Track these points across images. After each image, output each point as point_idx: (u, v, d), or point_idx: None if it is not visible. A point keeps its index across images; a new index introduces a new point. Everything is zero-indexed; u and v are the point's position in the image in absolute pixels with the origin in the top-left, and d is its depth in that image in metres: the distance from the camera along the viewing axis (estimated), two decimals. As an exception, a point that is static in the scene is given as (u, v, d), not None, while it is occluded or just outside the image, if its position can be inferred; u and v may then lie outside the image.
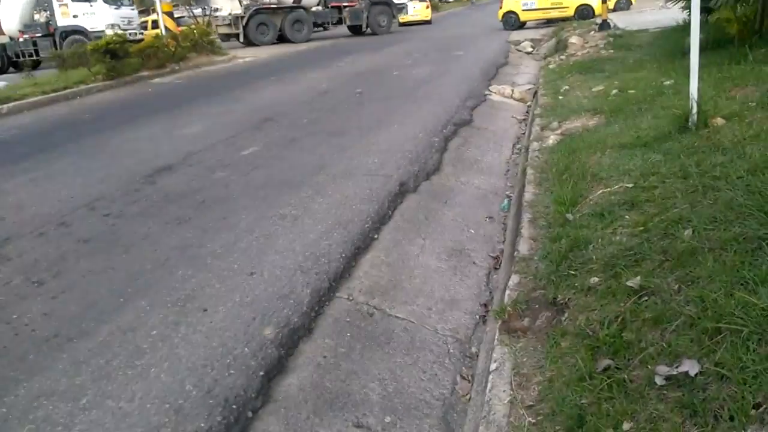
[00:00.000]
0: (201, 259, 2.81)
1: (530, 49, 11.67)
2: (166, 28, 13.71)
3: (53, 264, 2.92)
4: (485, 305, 2.50)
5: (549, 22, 15.95)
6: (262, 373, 1.94)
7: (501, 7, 16.73)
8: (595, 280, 2.01)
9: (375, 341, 2.19)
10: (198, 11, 19.07)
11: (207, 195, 3.80)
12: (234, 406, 1.79)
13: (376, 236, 3.05)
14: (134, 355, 2.06)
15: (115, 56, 11.09)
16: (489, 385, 1.77)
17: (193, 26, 15.53)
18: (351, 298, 2.47)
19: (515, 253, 2.55)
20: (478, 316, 2.43)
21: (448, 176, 4.09)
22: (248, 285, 2.52)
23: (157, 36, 13.39)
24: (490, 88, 7.13)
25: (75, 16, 15.69)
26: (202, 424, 1.72)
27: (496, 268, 2.83)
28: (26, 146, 6.19)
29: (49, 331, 2.29)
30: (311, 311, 2.34)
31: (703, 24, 4.60)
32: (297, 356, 2.07)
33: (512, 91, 6.99)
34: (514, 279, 2.34)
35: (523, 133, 5.25)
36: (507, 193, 3.84)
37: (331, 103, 6.91)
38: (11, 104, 8.88)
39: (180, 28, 14.37)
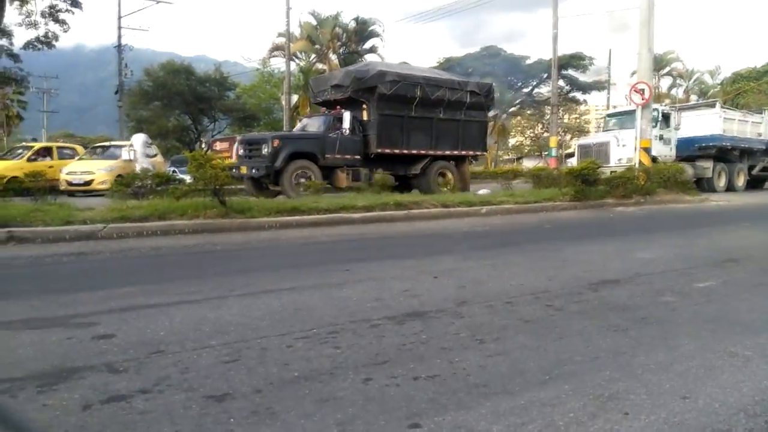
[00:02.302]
0: (631, 368, 2.69)
1: None
2: (640, 162, 14.03)
3: (495, 330, 3.26)
4: None
5: None
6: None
7: None
8: None
9: None
10: None
11: (649, 313, 3.64)
12: None
13: None
14: (549, 427, 2.10)
15: (586, 181, 11.89)
16: None
17: (668, 163, 15.55)
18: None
19: None
20: None
21: None
22: (678, 407, 2.27)
23: (629, 168, 13.82)
24: None
25: None
26: None
27: None
28: (492, 240, 7.19)
29: (480, 380, 2.55)
30: (752, 463, 1.94)
31: None
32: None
33: None
34: None
35: None
36: None
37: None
38: (489, 207, 10.51)
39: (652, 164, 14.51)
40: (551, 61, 28.08)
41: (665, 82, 51.85)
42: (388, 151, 14.47)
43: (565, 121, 49.32)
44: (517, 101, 49.23)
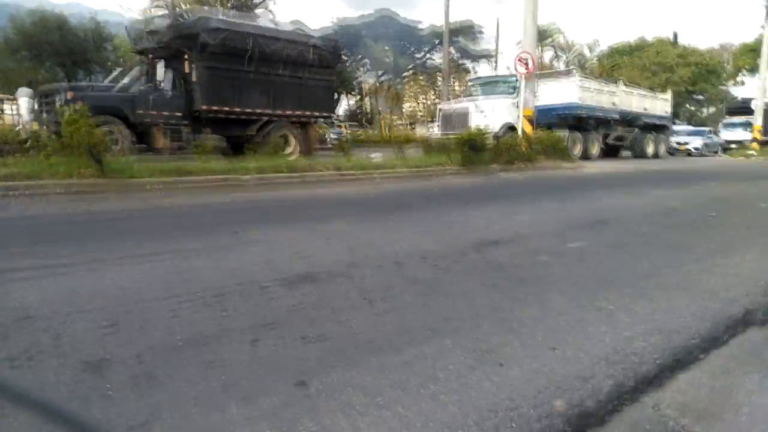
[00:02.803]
0: (507, 323, 2.86)
1: None
2: (522, 130, 14.76)
3: (384, 290, 3.34)
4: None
5: None
6: (542, 440, 1.86)
7: None
8: None
9: (677, 460, 1.89)
10: None
11: (525, 272, 3.88)
12: (508, 458, 1.75)
13: (702, 356, 2.66)
14: (430, 379, 2.20)
15: (473, 148, 12.35)
16: None
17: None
18: (657, 408, 2.20)
19: None
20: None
21: (812, 323, 3.35)
22: (548, 357, 2.46)
23: (512, 136, 14.51)
24: None
25: None
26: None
27: None
28: (385, 204, 7.30)
29: (368, 338, 2.61)
30: (608, 403, 2.15)
31: None
32: (583, 440, 1.92)
33: None
34: None
35: None
36: None
37: (676, 221, 6.41)
38: (382, 172, 10.65)
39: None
40: (443, 29, 28.58)
41: (548, 54, 54.58)
42: (216, 108, 13.03)
43: (456, 89, 50.69)
44: (410, 67, 49.77)
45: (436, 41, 43.50)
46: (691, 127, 36.50)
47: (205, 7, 37.61)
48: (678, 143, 30.02)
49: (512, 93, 17.32)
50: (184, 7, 38.08)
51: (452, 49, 42.49)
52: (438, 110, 19.40)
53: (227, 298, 3.10)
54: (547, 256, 4.39)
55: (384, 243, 4.77)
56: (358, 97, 39.85)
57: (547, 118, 19.20)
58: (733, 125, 37.61)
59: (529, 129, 15.12)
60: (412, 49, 51.10)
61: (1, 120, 15.14)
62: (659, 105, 25.63)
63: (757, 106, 33.68)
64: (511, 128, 16.44)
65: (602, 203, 8.05)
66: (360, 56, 49.91)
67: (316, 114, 15.47)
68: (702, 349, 2.72)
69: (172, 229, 5.43)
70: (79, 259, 3.91)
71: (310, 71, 14.67)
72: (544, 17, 53.64)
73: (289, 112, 14.47)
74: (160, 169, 8.34)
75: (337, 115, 44.32)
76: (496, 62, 45.77)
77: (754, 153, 28.75)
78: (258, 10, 40.39)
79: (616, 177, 13.93)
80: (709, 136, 31.74)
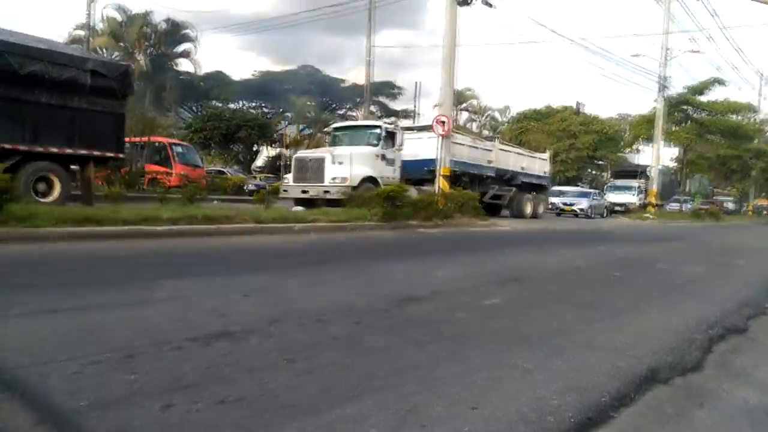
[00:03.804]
0: (429, 381, 2.88)
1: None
2: (440, 188, 15.24)
3: (305, 349, 3.27)
4: None
5: None
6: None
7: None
8: None
9: None
10: None
11: (445, 329, 3.94)
12: None
13: (613, 414, 2.78)
14: (352, 443, 2.16)
15: (393, 203, 12.57)
16: None
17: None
18: (573, 466, 2.25)
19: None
20: None
21: (708, 379, 3.58)
22: (469, 416, 2.48)
23: (430, 193, 14.93)
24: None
25: None
26: None
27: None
28: (305, 257, 7.24)
29: (288, 400, 2.53)
30: (528, 463, 2.19)
31: None
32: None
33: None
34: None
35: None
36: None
37: (584, 280, 6.77)
38: (303, 224, 10.60)
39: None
40: (365, 86, 29.40)
41: (464, 116, 57.31)
42: None
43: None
44: (332, 122, 50.57)
45: (358, 99, 44.58)
46: (577, 188, 37.89)
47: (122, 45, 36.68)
48: (565, 204, 30.98)
49: (376, 144, 16.49)
50: (102, 51, 37.14)
51: (373, 107, 43.68)
52: (293, 158, 17.69)
53: (137, 359, 2.92)
54: (464, 313, 4.48)
55: (305, 298, 4.71)
56: (279, 149, 39.86)
57: (420, 173, 18.32)
58: (618, 188, 39.65)
59: (445, 186, 15.65)
60: (334, 105, 52.07)
61: None
62: (537, 164, 25.46)
63: (652, 172, 36.59)
64: (372, 180, 15.56)
65: (514, 260, 8.38)
66: (281, 109, 50.24)
67: (96, 153, 12.20)
68: (613, 407, 2.84)
69: (79, 284, 5.10)
70: (-32, 315, 3.58)
71: (88, 100, 11.79)
72: (461, 82, 56.53)
73: (54, 149, 11.41)
74: (68, 216, 7.88)
75: (257, 166, 43.96)
76: (415, 121, 47.47)
77: (650, 216, 31.02)
78: (179, 60, 39.99)
79: (526, 235, 14.59)
80: (595, 198, 32.62)
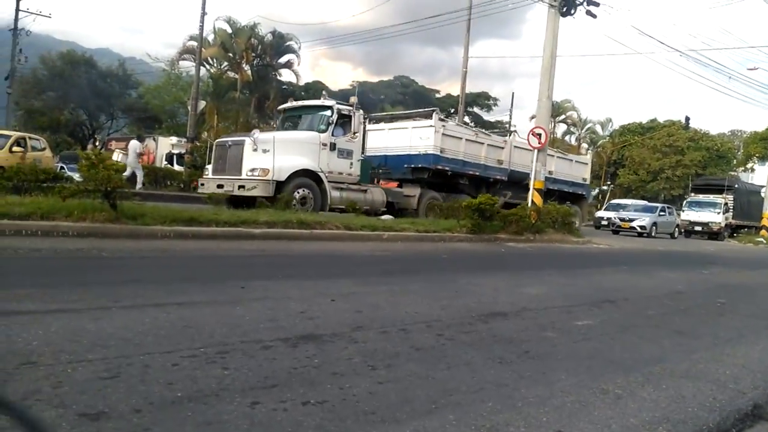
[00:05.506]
0: (512, 400, 2.81)
1: None
2: (532, 201, 14.86)
3: (387, 357, 3.30)
4: None
5: None
6: None
7: None
8: None
9: None
10: None
11: (532, 347, 3.83)
12: None
13: (710, 451, 2.59)
14: (430, 456, 2.15)
15: (483, 215, 12.40)
16: None
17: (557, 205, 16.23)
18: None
19: None
20: None
21: (824, 422, 3.26)
22: (553, 440, 2.41)
23: (522, 207, 14.58)
24: None
25: None
26: None
27: None
28: (391, 266, 7.31)
29: (369, 407, 2.56)
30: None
31: None
32: None
33: None
34: None
35: None
36: None
37: (685, 305, 6.36)
38: (391, 233, 10.70)
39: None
40: (459, 97, 29.29)
41: (561, 129, 55.59)
42: None
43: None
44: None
45: (452, 109, 44.46)
46: (641, 202, 32.81)
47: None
48: (622, 219, 26.41)
49: (324, 129, 13.18)
50: (211, 61, 39.50)
51: (466, 118, 43.42)
52: (214, 144, 14.47)
53: (230, 355, 3.07)
54: (554, 333, 4.35)
55: (390, 307, 4.75)
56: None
57: (399, 171, 15.77)
58: (699, 204, 32.07)
59: (539, 200, 15.23)
60: (428, 115, 52.27)
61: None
62: (572, 168, 21.19)
63: (766, 192, 33.34)
64: (309, 175, 12.51)
65: (609, 281, 8.00)
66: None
67: None
68: (711, 443, 2.65)
69: (180, 280, 5.43)
70: (84, 305, 3.92)
71: None
72: (560, 93, 54.92)
73: None
74: (173, 216, 8.42)
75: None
76: (509, 135, 46.68)
77: (763, 240, 28.40)
78: (282, 71, 41.61)
79: (623, 255, 13.91)
80: (661, 213, 27.31)
